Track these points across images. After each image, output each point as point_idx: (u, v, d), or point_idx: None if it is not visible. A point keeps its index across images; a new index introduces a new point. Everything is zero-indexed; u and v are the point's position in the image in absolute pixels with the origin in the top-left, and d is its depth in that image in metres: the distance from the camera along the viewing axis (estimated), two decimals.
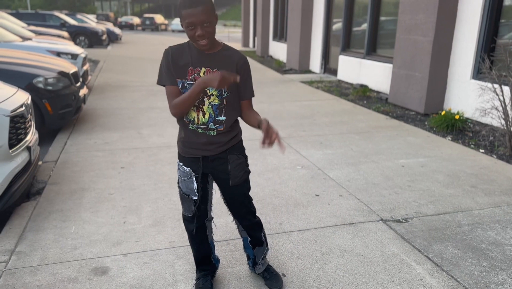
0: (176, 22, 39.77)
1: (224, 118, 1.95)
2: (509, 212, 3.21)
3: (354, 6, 9.53)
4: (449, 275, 2.41)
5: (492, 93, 5.50)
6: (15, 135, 3.08)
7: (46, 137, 5.14)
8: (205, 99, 1.91)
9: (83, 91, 5.76)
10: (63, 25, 18.04)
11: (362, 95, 7.94)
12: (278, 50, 14.66)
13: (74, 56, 7.68)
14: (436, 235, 2.86)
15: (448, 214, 3.17)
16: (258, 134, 5.22)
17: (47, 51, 7.43)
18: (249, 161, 4.15)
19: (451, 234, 2.87)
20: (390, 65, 7.66)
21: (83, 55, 7.91)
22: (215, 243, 2.62)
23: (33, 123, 3.57)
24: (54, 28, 16.67)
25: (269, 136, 1.75)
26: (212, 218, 2.24)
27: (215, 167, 2.02)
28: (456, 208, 3.26)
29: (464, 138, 5.22)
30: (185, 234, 2.74)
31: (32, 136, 3.42)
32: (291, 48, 12.10)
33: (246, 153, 2.14)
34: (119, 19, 43.03)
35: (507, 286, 2.32)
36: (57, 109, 4.95)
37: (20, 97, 3.33)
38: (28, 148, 3.25)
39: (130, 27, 42.41)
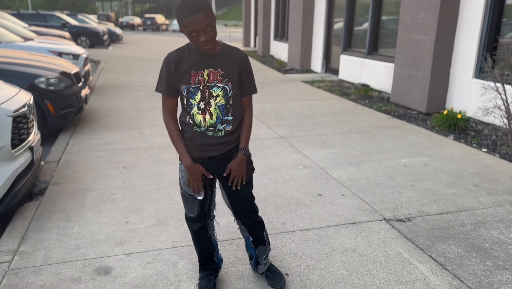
0: (177, 23, 39.73)
1: (231, 117, 1.96)
2: None
3: (356, 5, 9.52)
4: (452, 274, 2.40)
5: (494, 92, 5.48)
6: (18, 136, 3.08)
7: (48, 137, 5.14)
8: (211, 100, 1.91)
9: (84, 92, 5.76)
10: (64, 26, 18.06)
11: (363, 94, 7.93)
12: (279, 50, 14.65)
13: (75, 57, 7.68)
14: (439, 234, 2.85)
15: (451, 213, 3.16)
16: (259, 134, 5.22)
17: (49, 52, 7.43)
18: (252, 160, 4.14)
19: (454, 233, 2.86)
20: (391, 65, 7.65)
21: (84, 56, 7.92)
22: (217, 243, 2.62)
23: (35, 123, 3.57)
24: (55, 28, 16.65)
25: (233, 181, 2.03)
26: (214, 216, 2.24)
27: (221, 165, 2.03)
28: (459, 207, 3.25)
29: (466, 137, 5.21)
30: (188, 234, 2.73)
31: (34, 136, 3.42)
32: (292, 48, 12.09)
33: (249, 152, 2.14)
34: (120, 19, 43.06)
35: (511, 285, 2.32)
36: (59, 109, 4.95)
37: (22, 98, 3.33)
38: (31, 148, 3.26)
39: (131, 27, 42.43)
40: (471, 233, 2.87)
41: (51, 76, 4.97)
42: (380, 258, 2.57)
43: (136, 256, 2.56)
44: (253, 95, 2.08)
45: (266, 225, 2.35)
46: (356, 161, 4.29)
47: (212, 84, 1.89)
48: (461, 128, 5.50)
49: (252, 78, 2.02)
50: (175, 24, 40.44)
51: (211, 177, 2.02)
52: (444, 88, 6.41)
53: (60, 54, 7.54)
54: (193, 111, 1.93)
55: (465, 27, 6.02)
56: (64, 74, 5.25)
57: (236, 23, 50.56)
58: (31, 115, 3.39)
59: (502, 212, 3.18)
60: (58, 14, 19.11)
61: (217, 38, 1.92)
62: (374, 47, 8.69)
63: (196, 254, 2.28)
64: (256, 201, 2.24)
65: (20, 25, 10.80)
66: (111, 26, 24.66)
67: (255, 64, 12.94)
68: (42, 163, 4.11)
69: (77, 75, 5.68)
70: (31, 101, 3.47)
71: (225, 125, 1.95)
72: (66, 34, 13.40)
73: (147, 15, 43.73)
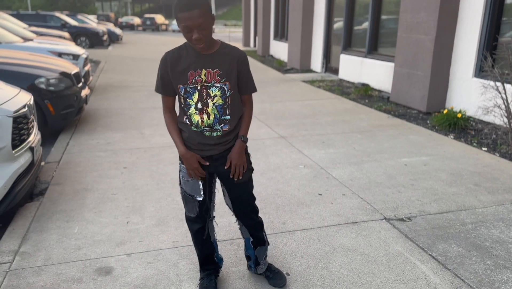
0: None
1: (229, 117, 1.95)
2: None
3: (355, 5, 9.52)
4: (453, 273, 2.41)
5: (494, 92, 5.49)
6: (18, 136, 3.08)
7: (49, 138, 5.15)
8: (209, 101, 1.90)
9: (85, 92, 5.76)
10: (64, 26, 18.05)
11: (363, 94, 7.94)
12: (279, 49, 14.65)
13: (75, 57, 7.68)
14: (440, 233, 2.85)
15: (452, 212, 3.16)
16: (259, 134, 5.22)
17: (49, 52, 7.43)
18: (251, 160, 4.15)
19: (455, 233, 2.86)
20: (391, 64, 7.65)
21: (84, 56, 7.91)
22: (218, 242, 2.62)
23: (35, 124, 3.57)
24: (55, 29, 16.66)
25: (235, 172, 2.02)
26: (214, 216, 2.24)
27: (219, 165, 2.03)
28: (459, 207, 3.25)
29: (466, 136, 5.21)
30: (189, 234, 2.74)
31: (34, 137, 3.42)
32: (292, 47, 12.09)
33: (248, 152, 2.14)
34: (120, 20, 43.04)
35: None
36: (59, 110, 4.95)
37: (22, 98, 3.33)
38: (31, 149, 3.26)
39: (131, 27, 42.42)
40: (472, 232, 2.87)
41: (51, 76, 4.98)
42: (381, 257, 2.57)
43: (137, 256, 2.56)
44: (253, 95, 2.08)
45: (266, 225, 2.36)
46: (356, 160, 4.29)
47: (210, 84, 1.89)
48: (461, 127, 5.50)
49: (251, 77, 2.02)
50: (174, 24, 40.46)
51: (207, 163, 2.00)
52: (444, 88, 6.41)
53: (60, 54, 7.54)
54: (190, 111, 1.93)
55: (465, 26, 6.02)
56: (64, 74, 5.25)
57: (235, 23, 50.56)
58: (32, 116, 3.39)
59: (502, 211, 3.18)
60: (57, 14, 19.10)
61: (217, 38, 1.92)
62: (374, 47, 8.69)
63: (196, 254, 2.28)
64: (256, 201, 2.24)
65: (19, 26, 10.79)
66: (110, 26, 24.65)
67: (255, 64, 12.94)
68: (43, 163, 4.11)
69: (77, 75, 5.68)
70: (31, 102, 3.47)
71: (222, 125, 1.95)
72: (66, 34, 13.40)
73: (147, 15, 43.71)
